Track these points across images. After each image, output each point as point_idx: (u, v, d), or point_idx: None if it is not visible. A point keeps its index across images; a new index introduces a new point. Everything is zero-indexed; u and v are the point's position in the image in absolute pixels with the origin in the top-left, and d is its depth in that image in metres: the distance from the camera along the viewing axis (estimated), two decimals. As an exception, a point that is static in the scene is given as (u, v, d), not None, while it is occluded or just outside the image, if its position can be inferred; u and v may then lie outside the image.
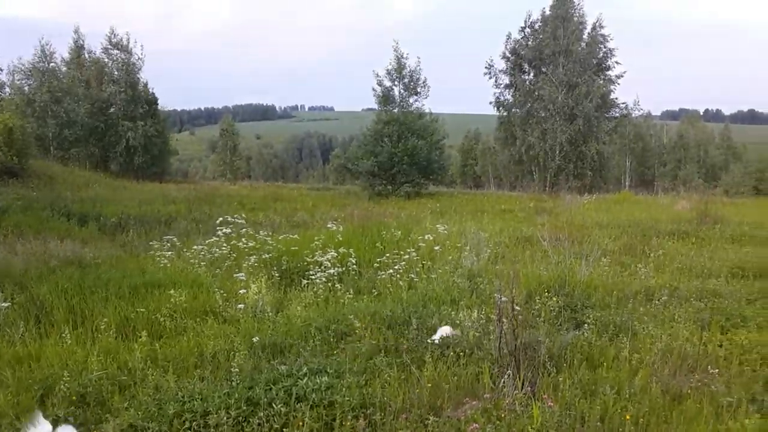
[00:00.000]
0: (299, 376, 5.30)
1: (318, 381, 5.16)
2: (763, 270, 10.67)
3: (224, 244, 10.80)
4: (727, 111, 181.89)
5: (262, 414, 4.71)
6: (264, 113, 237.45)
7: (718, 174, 59.39)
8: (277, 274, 9.61)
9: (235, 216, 13.20)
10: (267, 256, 10.20)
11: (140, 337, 6.62)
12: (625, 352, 6.01)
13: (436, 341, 6.57)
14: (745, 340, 6.59)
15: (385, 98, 33.67)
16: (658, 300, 8.33)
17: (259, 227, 13.63)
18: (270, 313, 7.78)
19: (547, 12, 38.87)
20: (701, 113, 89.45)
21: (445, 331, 6.97)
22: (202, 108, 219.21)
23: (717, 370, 5.63)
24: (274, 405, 4.81)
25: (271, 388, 5.09)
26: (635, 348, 6.17)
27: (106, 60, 39.45)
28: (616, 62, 39.00)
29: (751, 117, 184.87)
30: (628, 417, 4.57)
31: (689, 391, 5.26)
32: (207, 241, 11.05)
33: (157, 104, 40.49)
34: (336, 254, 10.01)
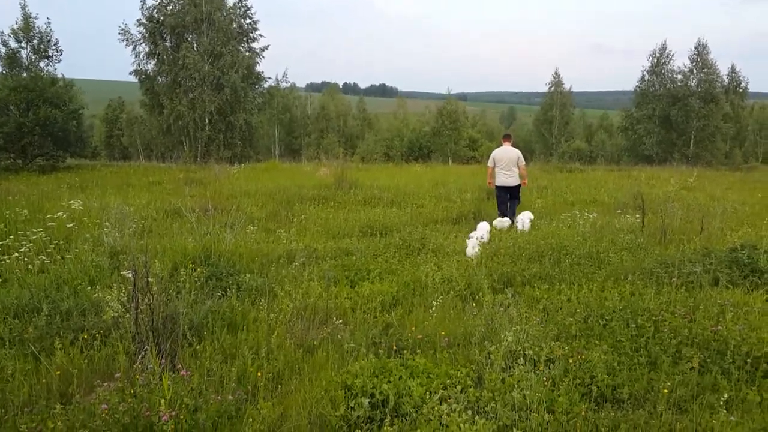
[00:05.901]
0: None
1: None
2: (387, 228, 12.06)
3: None
4: (362, 85, 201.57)
5: None
6: None
7: (356, 142, 65.33)
8: None
9: None
10: None
11: None
12: (264, 314, 6.33)
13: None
14: (368, 291, 7.41)
15: (11, 61, 29.68)
16: (298, 262, 8.90)
17: None
18: None
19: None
20: (341, 86, 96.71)
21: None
22: None
23: (342, 321, 6.26)
24: None
25: None
26: (273, 309, 6.52)
27: None
28: (260, 35, 40.01)
29: (382, 90, 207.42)
30: (259, 374, 4.84)
31: (319, 342, 5.76)
32: None
33: None
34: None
